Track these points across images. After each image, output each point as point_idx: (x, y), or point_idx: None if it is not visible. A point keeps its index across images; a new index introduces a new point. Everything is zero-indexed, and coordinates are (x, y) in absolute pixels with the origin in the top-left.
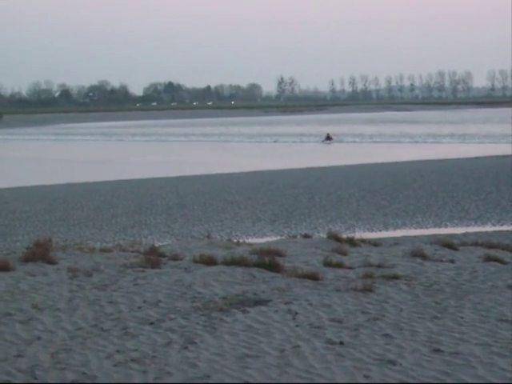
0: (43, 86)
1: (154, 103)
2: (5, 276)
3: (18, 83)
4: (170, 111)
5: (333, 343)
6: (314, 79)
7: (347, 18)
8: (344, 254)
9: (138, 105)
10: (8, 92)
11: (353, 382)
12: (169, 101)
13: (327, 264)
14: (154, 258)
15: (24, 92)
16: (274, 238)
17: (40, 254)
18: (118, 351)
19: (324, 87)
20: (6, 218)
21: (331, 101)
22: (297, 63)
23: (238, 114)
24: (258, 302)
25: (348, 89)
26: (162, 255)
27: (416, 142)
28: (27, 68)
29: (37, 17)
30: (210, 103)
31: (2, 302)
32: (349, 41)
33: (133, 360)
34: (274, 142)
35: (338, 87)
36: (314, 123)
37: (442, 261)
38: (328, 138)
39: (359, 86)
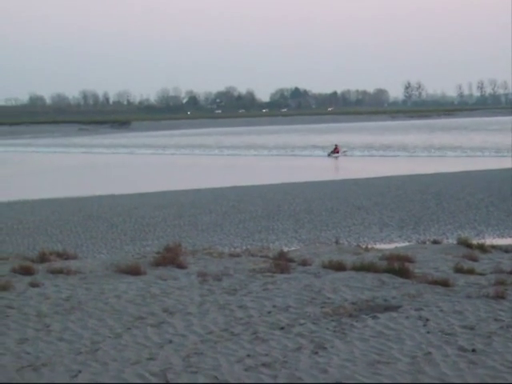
0: (171, 93)
1: (285, 109)
2: (136, 280)
3: (147, 90)
4: (296, 117)
5: (465, 350)
6: (441, 83)
7: (474, 22)
8: (475, 260)
9: (264, 110)
10: (137, 99)
11: None
12: (295, 106)
13: (458, 270)
14: (283, 263)
15: (152, 99)
16: (402, 244)
17: (170, 258)
18: (248, 355)
19: (451, 92)
20: (136, 223)
21: (459, 105)
22: (424, 67)
23: (363, 119)
24: (388, 308)
25: (476, 93)
26: (291, 260)
27: None
28: (156, 76)
29: (166, 29)
30: (330, 109)
31: (135, 305)
32: (477, 45)
33: (263, 365)
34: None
35: (465, 91)
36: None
37: None
38: (336, 150)
39: (487, 91)
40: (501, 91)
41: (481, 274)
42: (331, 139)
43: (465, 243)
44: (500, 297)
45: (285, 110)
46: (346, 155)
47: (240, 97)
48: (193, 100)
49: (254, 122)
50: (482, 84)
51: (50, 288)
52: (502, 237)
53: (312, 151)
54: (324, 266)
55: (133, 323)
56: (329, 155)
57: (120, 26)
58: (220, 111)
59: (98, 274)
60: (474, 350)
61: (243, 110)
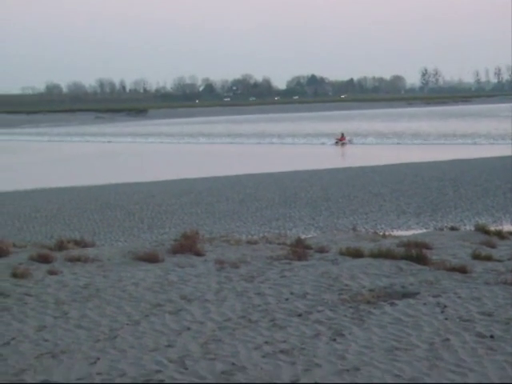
0: (187, 81)
1: (296, 97)
2: (154, 268)
3: (164, 78)
4: (312, 104)
5: (483, 337)
6: (458, 70)
7: (491, 7)
8: (493, 246)
9: (276, 98)
10: (153, 87)
11: (505, 376)
12: (312, 94)
13: (476, 257)
14: (300, 251)
15: (169, 87)
16: (419, 231)
17: (188, 245)
18: (266, 342)
19: (469, 78)
20: (153, 210)
21: (476, 92)
22: (441, 54)
23: (380, 106)
24: (406, 295)
25: (493, 79)
26: (308, 247)
27: None
28: (172, 64)
29: (181, 17)
30: (343, 96)
31: (153, 293)
32: (494, 30)
33: (281, 351)
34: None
35: (482, 78)
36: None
37: None
38: (342, 138)
39: (505, 77)
40: None
41: (499, 261)
42: (345, 126)
43: (482, 230)
44: None
45: (296, 97)
46: (352, 143)
47: (256, 84)
48: (209, 88)
49: (268, 110)
50: (500, 70)
51: (68, 276)
52: None
53: (320, 139)
54: (341, 253)
55: (151, 310)
56: (336, 143)
57: (136, 13)
58: (229, 99)
59: (116, 262)
60: (492, 337)
61: (254, 98)
